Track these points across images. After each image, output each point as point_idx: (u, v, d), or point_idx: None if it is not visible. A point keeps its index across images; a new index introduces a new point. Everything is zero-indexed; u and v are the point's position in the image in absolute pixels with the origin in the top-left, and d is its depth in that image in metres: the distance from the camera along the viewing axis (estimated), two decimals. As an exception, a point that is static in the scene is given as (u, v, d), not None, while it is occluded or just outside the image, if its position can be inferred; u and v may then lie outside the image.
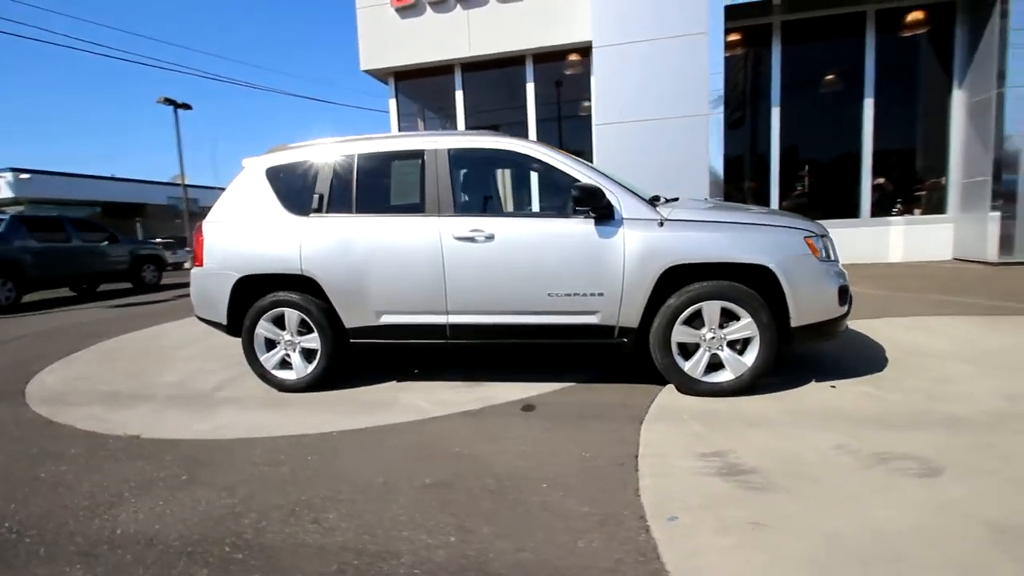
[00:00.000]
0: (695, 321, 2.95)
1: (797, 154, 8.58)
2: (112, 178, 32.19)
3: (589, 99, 9.01)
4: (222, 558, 1.74)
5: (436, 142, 3.20)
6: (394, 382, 3.56)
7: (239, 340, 3.46)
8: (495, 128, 9.69)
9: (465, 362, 3.88)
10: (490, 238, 3.02)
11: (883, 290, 5.84)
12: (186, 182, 23.45)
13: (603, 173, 3.07)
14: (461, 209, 3.16)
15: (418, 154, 3.24)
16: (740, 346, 2.93)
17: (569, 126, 9.57)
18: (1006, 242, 6.88)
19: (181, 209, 25.55)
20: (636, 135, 7.95)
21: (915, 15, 7.73)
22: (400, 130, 9.96)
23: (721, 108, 7.61)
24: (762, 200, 8.46)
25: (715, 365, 2.97)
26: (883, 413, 2.64)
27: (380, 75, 9.78)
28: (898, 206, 8.33)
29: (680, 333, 2.94)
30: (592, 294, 2.96)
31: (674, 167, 7.69)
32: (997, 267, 6.89)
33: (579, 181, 2.98)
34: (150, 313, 7.61)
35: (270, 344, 3.45)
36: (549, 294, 3.01)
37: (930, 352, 3.56)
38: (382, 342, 3.29)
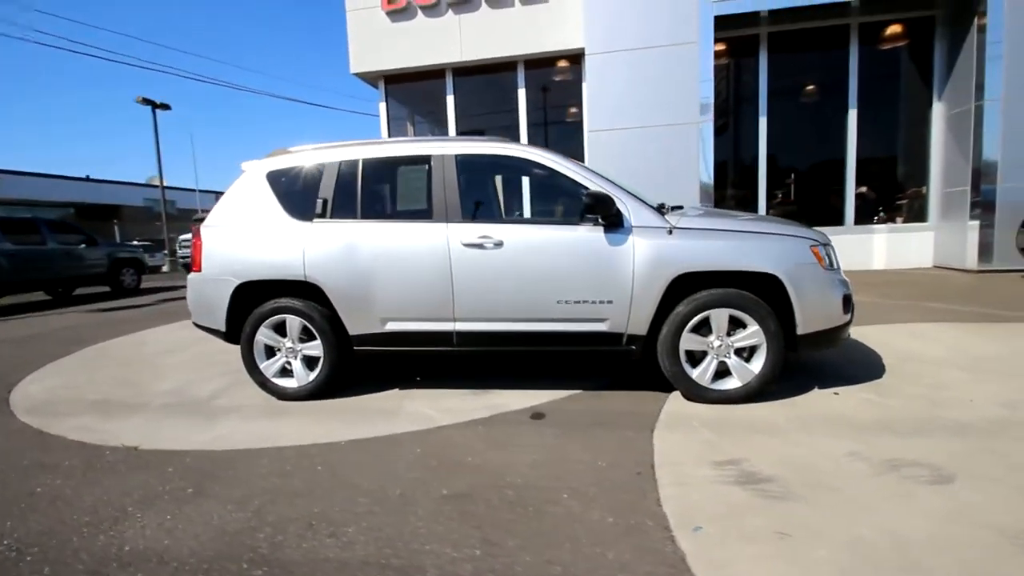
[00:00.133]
0: (702, 329, 2.97)
1: (783, 162, 8.75)
2: (86, 179, 31.36)
3: (580, 105, 9.07)
4: (240, 575, 1.68)
5: (443, 148, 3.18)
6: (397, 390, 3.51)
7: (230, 347, 3.37)
8: (481, 133, 9.69)
9: (468, 369, 3.85)
10: (499, 245, 3.01)
11: (871, 297, 5.97)
12: (164, 184, 22.88)
13: (611, 180, 3.08)
14: (469, 215, 3.14)
15: (425, 160, 3.21)
16: (747, 354, 2.96)
17: (560, 132, 9.61)
18: (985, 250, 7.10)
19: (158, 211, 24.99)
20: (627, 142, 8.02)
21: (896, 29, 7.97)
22: (390, 134, 9.89)
23: (711, 116, 7.73)
24: (749, 207, 8.60)
25: (722, 372, 3.00)
26: (888, 420, 2.69)
27: (370, 78, 9.70)
28: (881, 214, 8.54)
29: (688, 340, 2.96)
30: (601, 301, 2.96)
31: (664, 174, 7.78)
32: (977, 274, 7.10)
33: (588, 188, 2.99)
34: (131, 318, 7.40)
35: (270, 352, 3.38)
36: (558, 301, 3.00)
37: (925, 359, 3.65)
38: (387, 349, 3.24)
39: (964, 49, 7.27)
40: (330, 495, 2.17)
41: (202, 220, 9.60)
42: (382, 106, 9.77)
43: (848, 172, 8.36)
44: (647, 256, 2.90)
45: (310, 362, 3.34)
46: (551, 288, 2.99)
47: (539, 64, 9.09)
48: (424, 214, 3.16)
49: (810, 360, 3.67)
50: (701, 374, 2.97)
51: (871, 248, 8.35)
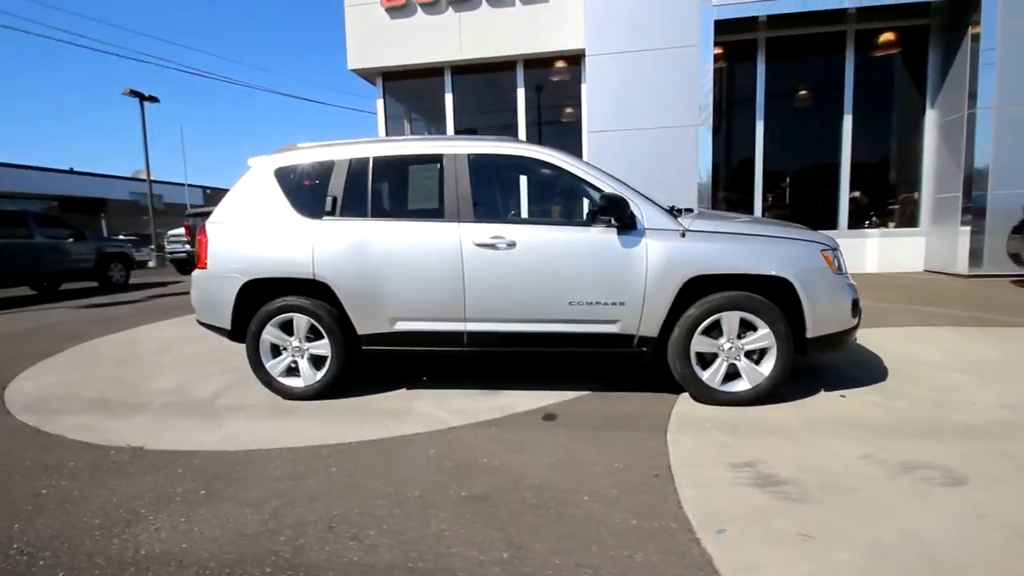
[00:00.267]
0: (713, 331, 2.99)
1: (779, 166, 8.84)
2: (70, 171, 30.70)
3: (578, 106, 9.09)
4: (264, 580, 1.65)
5: (456, 147, 3.16)
6: (404, 390, 3.48)
7: (227, 345, 3.31)
8: (473, 131, 9.65)
9: (474, 369, 3.83)
10: (511, 245, 2.99)
11: (865, 300, 6.01)
12: (151, 178, 22.49)
13: (623, 183, 3.09)
14: (481, 215, 3.12)
15: (437, 158, 3.18)
16: (757, 356, 2.98)
17: (558, 132, 9.62)
18: (975, 255, 7.25)
19: (144, 205, 24.55)
20: (625, 143, 8.05)
21: (891, 36, 8.09)
22: (388, 132, 9.83)
23: (709, 119, 7.79)
24: (745, 210, 8.67)
25: (731, 375, 3.02)
26: (896, 422, 2.72)
27: (368, 75, 9.62)
28: (873, 219, 8.67)
29: (699, 343, 2.97)
30: (614, 303, 2.97)
31: (662, 176, 7.82)
32: (967, 279, 7.24)
33: (602, 190, 2.99)
34: (122, 315, 7.26)
35: (275, 350, 3.33)
36: (570, 302, 3.00)
37: (924, 362, 3.71)
38: (396, 349, 3.22)
39: (957, 57, 7.40)
40: (347, 497, 2.14)
41: (194, 215, 9.58)
42: (379, 103, 9.70)
43: (842, 177, 8.47)
44: (660, 258, 2.90)
45: (317, 361, 3.30)
46: (563, 289, 2.99)
47: (539, 64, 9.09)
48: (436, 213, 3.14)
49: (814, 363, 3.71)
50: (711, 376, 2.99)
51: (864, 252, 8.47)
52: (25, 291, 10.50)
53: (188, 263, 15.22)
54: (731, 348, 2.97)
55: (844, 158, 8.42)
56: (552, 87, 9.39)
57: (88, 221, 22.80)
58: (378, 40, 9.09)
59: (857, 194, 8.68)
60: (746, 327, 2.96)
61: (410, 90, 9.95)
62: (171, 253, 15.23)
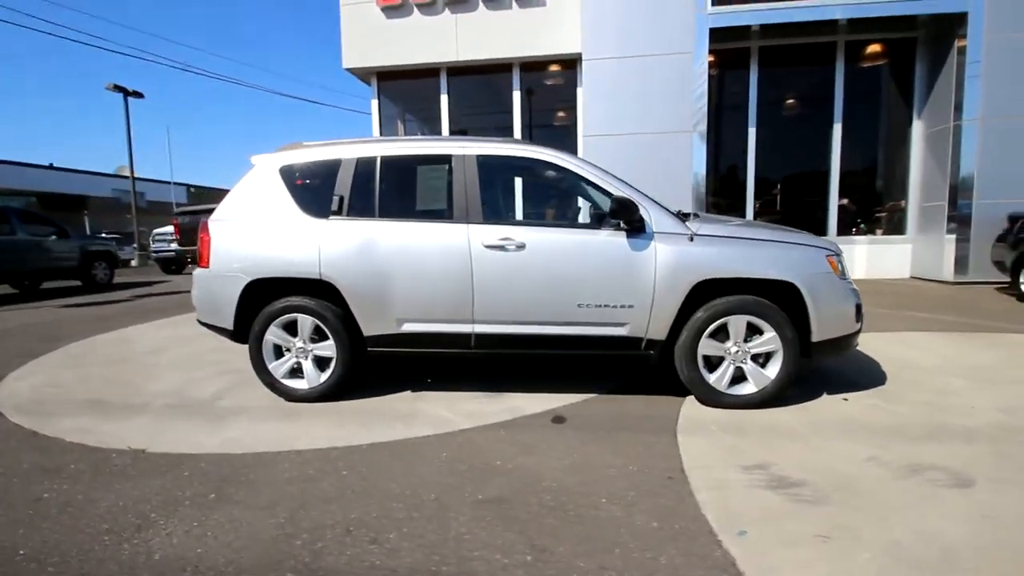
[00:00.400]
0: (719, 334, 3.01)
1: (770, 172, 8.98)
2: (50, 167, 30.01)
3: (574, 110, 9.14)
4: (285, 585, 1.62)
5: (464, 148, 3.15)
6: (409, 392, 3.45)
7: (224, 347, 3.26)
8: (464, 132, 9.65)
9: (479, 372, 3.82)
10: (521, 247, 2.99)
11: (857, 305, 6.16)
12: (134, 175, 22.05)
13: (631, 186, 3.11)
14: (490, 216, 3.12)
15: (445, 159, 3.17)
16: (763, 359, 3.02)
17: (553, 135, 9.66)
18: (961, 263, 7.43)
19: (127, 203, 24.06)
20: (620, 148, 8.11)
21: (880, 48, 8.29)
22: (382, 132, 9.78)
23: (704, 125, 7.89)
24: (738, 216, 8.79)
25: (737, 378, 3.05)
26: (898, 425, 2.77)
27: (363, 74, 9.57)
28: (861, 226, 8.85)
29: (706, 346, 3.00)
30: (622, 306, 2.98)
31: (656, 181, 7.82)
32: (953, 286, 7.42)
33: (611, 193, 3.01)
34: (109, 315, 7.10)
35: (278, 352, 3.28)
36: (579, 305, 3.00)
37: (921, 367, 3.78)
38: (402, 351, 3.19)
39: (944, 70, 7.60)
40: (362, 500, 2.12)
41: (185, 213, 9.39)
42: (374, 103, 9.65)
43: (832, 184, 8.63)
44: (669, 262, 2.93)
45: (321, 363, 3.26)
46: (572, 291, 3.00)
47: (535, 67, 9.13)
48: (444, 214, 3.13)
49: (815, 367, 3.76)
50: (718, 379, 3.01)
51: (852, 258, 8.63)
52: (5, 289, 10.22)
53: (174, 262, 14.95)
54: (737, 352, 3.00)
55: (833, 166, 8.59)
56: (548, 90, 9.44)
57: (69, 218, 22.26)
58: (373, 40, 9.05)
59: (845, 201, 8.86)
60: (752, 331, 2.99)
61: (405, 91, 9.92)
62: (156, 252, 14.94)
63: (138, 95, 21.08)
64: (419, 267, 3.05)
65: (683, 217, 3.14)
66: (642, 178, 7.70)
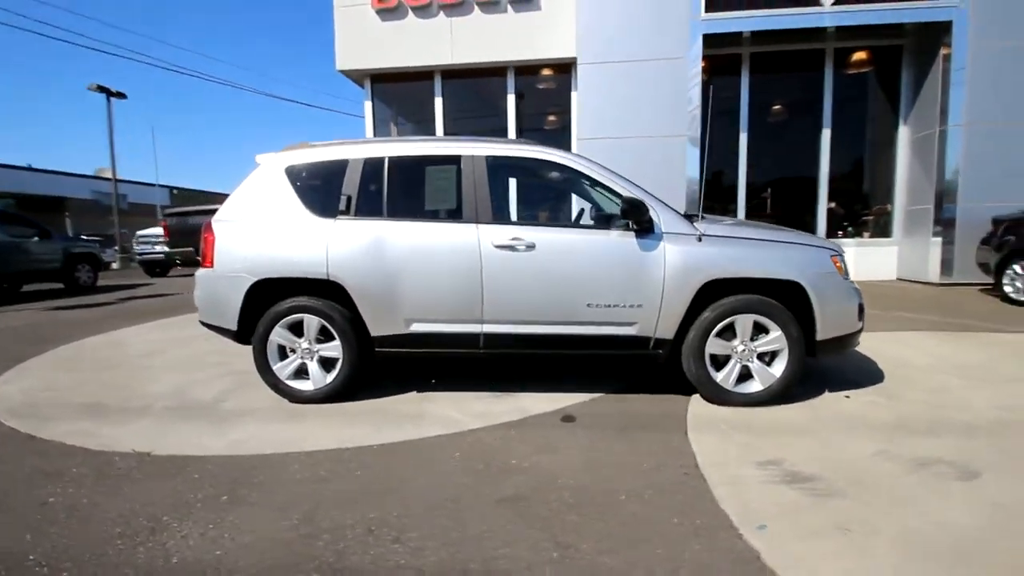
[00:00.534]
0: (726, 333, 3.05)
1: (760, 176, 9.11)
2: (28, 168, 29.30)
3: (568, 113, 9.19)
4: (311, 585, 1.60)
5: (473, 148, 3.15)
6: (415, 392, 3.43)
7: (221, 348, 3.21)
8: (454, 135, 9.62)
9: (484, 372, 3.81)
10: (531, 247, 3.00)
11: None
12: (116, 177, 21.62)
13: (640, 187, 3.13)
14: (499, 217, 3.12)
15: (454, 159, 3.17)
16: (768, 358, 3.06)
17: (547, 139, 9.67)
18: (946, 265, 7.61)
19: (107, 204, 23.59)
20: (614, 151, 8.13)
21: (867, 56, 8.47)
22: (375, 134, 9.72)
23: (697, 129, 7.98)
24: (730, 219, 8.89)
25: (742, 376, 3.08)
26: (900, 421, 2.82)
27: (356, 77, 9.52)
28: (848, 229, 9.02)
29: (713, 345, 3.03)
30: (631, 305, 3.00)
31: (651, 184, 7.89)
32: (939, 287, 7.59)
33: (620, 194, 3.03)
34: (96, 318, 6.94)
35: (282, 353, 3.24)
36: (588, 304, 3.01)
37: (916, 365, 3.86)
38: (410, 352, 3.17)
39: (929, 76, 7.80)
40: (380, 500, 2.09)
41: (174, 215, 9.23)
42: (368, 105, 9.60)
43: (820, 188, 8.79)
44: (678, 262, 2.95)
45: (326, 364, 3.23)
46: (582, 291, 3.01)
47: (529, 71, 9.16)
48: (453, 214, 3.12)
49: (814, 365, 3.82)
50: (725, 378, 3.04)
51: (840, 261, 8.77)
52: (-16, 292, 9.94)
53: (159, 265, 14.69)
54: (744, 350, 3.04)
55: (822, 170, 8.75)
56: (542, 94, 9.47)
57: (48, 220, 21.80)
58: (367, 42, 9.01)
59: (833, 205, 9.02)
60: (758, 330, 3.03)
61: (399, 93, 9.89)
62: (141, 254, 14.65)
63: (121, 96, 20.75)
64: (429, 267, 3.04)
65: (689, 218, 3.18)
66: (636, 181, 7.82)
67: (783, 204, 9.17)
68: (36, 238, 9.72)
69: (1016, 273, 6.08)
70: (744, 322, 3.00)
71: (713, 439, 2.63)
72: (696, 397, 3.21)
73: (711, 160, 9.06)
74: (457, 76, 9.33)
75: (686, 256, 2.96)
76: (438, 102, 9.41)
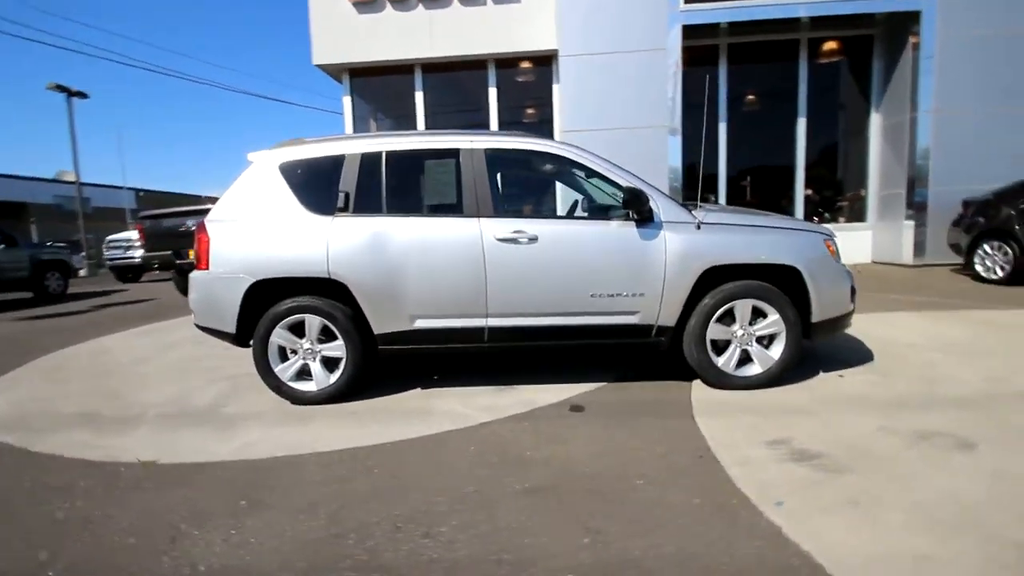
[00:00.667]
0: (725, 319, 3.12)
1: (740, 165, 9.29)
2: (-17, 173, 27.99)
3: (550, 105, 9.20)
4: (347, 584, 1.60)
5: (472, 142, 3.14)
6: (418, 389, 3.42)
7: (212, 353, 3.15)
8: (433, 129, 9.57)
9: (485, 367, 3.81)
10: (533, 239, 3.01)
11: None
12: (80, 180, 20.82)
13: (638, 177, 3.17)
14: (501, 210, 3.12)
15: (453, 153, 3.15)
16: (767, 341, 3.14)
17: (530, 131, 9.66)
18: (919, 247, 7.90)
19: (69, 209, 22.75)
20: (597, 143, 8.09)
21: (839, 45, 8.69)
22: (355, 129, 9.58)
23: (678, 119, 8.08)
24: (711, 207, 9.05)
25: (742, 360, 3.16)
26: (896, 397, 2.94)
27: (333, 71, 9.35)
28: (825, 215, 9.27)
29: (714, 330, 3.10)
30: (634, 294, 3.04)
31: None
32: (913, 269, 7.88)
33: (621, 184, 3.06)
34: (74, 326, 6.71)
35: (283, 354, 3.19)
36: (592, 295, 3.05)
37: (902, 343, 4.01)
38: (415, 348, 3.16)
39: (900, 65, 8.05)
40: (402, 497, 2.09)
41: (149, 217, 8.89)
42: (346, 100, 9.44)
43: (798, 175, 9.01)
44: (678, 250, 3.00)
45: (328, 364, 3.19)
46: (585, 282, 3.04)
47: (510, 63, 9.13)
48: (455, 209, 3.11)
49: (807, 347, 3.92)
50: (726, 362, 3.12)
51: (818, 245, 9.02)
52: (-53, 304, 9.50)
53: (131, 270, 14.22)
54: (743, 335, 3.11)
55: (799, 158, 8.96)
56: (524, 87, 9.46)
57: (10, 227, 20.89)
58: (344, 35, 8.85)
59: (809, 192, 9.26)
60: (756, 314, 3.11)
61: (378, 88, 9.75)
62: (111, 260, 14.17)
63: (82, 95, 19.97)
64: (432, 262, 3.02)
65: (686, 207, 3.23)
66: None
67: (762, 191, 9.37)
68: (2, 246, 9.32)
69: (986, 253, 6.35)
70: (743, 307, 3.07)
71: (720, 422, 2.70)
72: (697, 382, 3.28)
73: (692, 150, 9.22)
74: (437, 70, 9.25)
75: (686, 244, 3.01)
76: (419, 96, 9.31)
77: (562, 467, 2.29)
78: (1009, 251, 6.05)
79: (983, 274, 6.39)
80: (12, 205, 27.37)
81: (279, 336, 3.13)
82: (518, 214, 3.30)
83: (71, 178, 22.32)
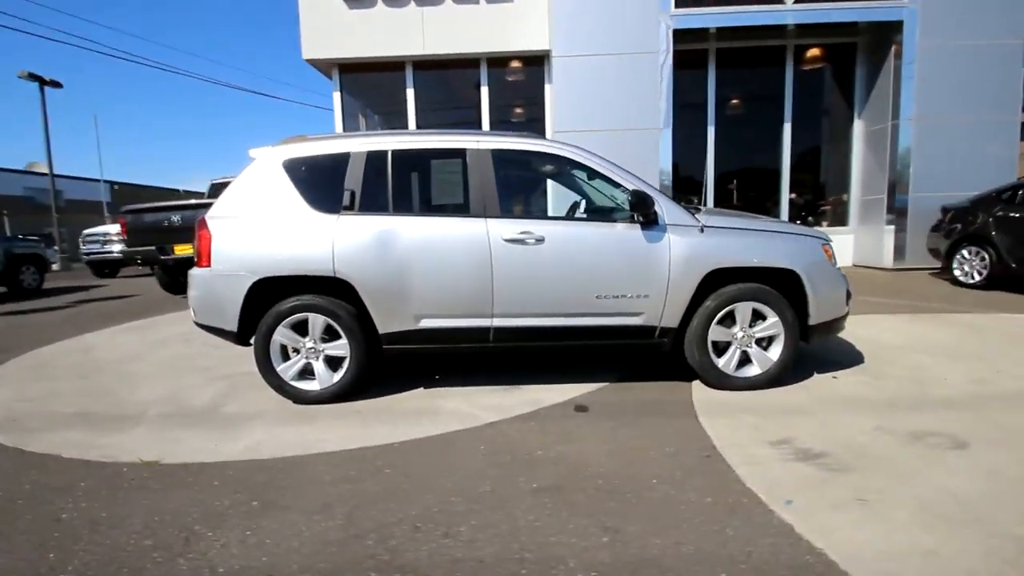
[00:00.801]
0: (726, 320, 3.18)
1: (727, 168, 9.44)
2: (-51, 162, 26.89)
3: (542, 106, 9.23)
4: (372, 584, 1.60)
5: (479, 142, 3.14)
6: (421, 389, 3.42)
7: (203, 352, 3.11)
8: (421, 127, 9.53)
9: (486, 366, 3.82)
10: (540, 240, 3.03)
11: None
12: (53, 172, 20.17)
13: (642, 180, 3.21)
14: (507, 210, 3.13)
15: (459, 153, 3.15)
16: (765, 343, 3.21)
17: (521, 131, 9.69)
18: (899, 252, 8.14)
19: (41, 202, 22.07)
20: (590, 143, 8.16)
21: (824, 52, 8.90)
22: (345, 126, 9.47)
23: (669, 123, 8.18)
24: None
25: (742, 362, 3.22)
26: (889, 398, 3.04)
27: (323, 66, 9.22)
28: (808, 219, 9.49)
29: (715, 332, 3.16)
30: (638, 296, 3.08)
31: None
32: (893, 272, 8.12)
33: (627, 187, 3.10)
34: (54, 322, 6.52)
35: (284, 353, 3.15)
36: (597, 296, 3.08)
37: (890, 346, 4.14)
38: (419, 348, 3.15)
39: (882, 73, 8.28)
40: (417, 497, 2.10)
41: (132, 212, 8.65)
42: (336, 96, 9.32)
43: (783, 179, 9.20)
44: (682, 253, 3.06)
45: (332, 363, 3.17)
46: (591, 283, 3.07)
47: (503, 63, 9.13)
48: (461, 209, 3.11)
49: (801, 349, 4.02)
50: (726, 363, 3.18)
51: (802, 248, 9.23)
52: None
53: (107, 265, 13.86)
54: (743, 336, 3.18)
55: (784, 162, 9.15)
56: (516, 86, 9.46)
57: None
58: (335, 30, 8.74)
59: (794, 195, 9.47)
60: (756, 316, 3.18)
61: (369, 84, 9.65)
62: (88, 254, 13.79)
63: (56, 84, 19.35)
64: (439, 262, 3.02)
65: (689, 210, 3.28)
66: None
67: (748, 194, 9.54)
68: (-27, 238, 9.00)
69: (964, 258, 6.58)
70: (744, 309, 3.14)
71: (723, 422, 2.76)
72: (697, 383, 3.34)
73: (681, 153, 9.35)
74: (429, 67, 9.20)
75: (690, 247, 3.06)
76: (410, 93, 9.25)
77: (573, 466, 2.32)
78: (986, 256, 6.27)
79: (961, 278, 6.61)
80: (-21, 196, 26.39)
81: (282, 335, 3.10)
82: (524, 215, 3.33)
83: (43, 169, 21.63)
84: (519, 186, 3.82)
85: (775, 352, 3.19)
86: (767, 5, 8.02)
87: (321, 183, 3.13)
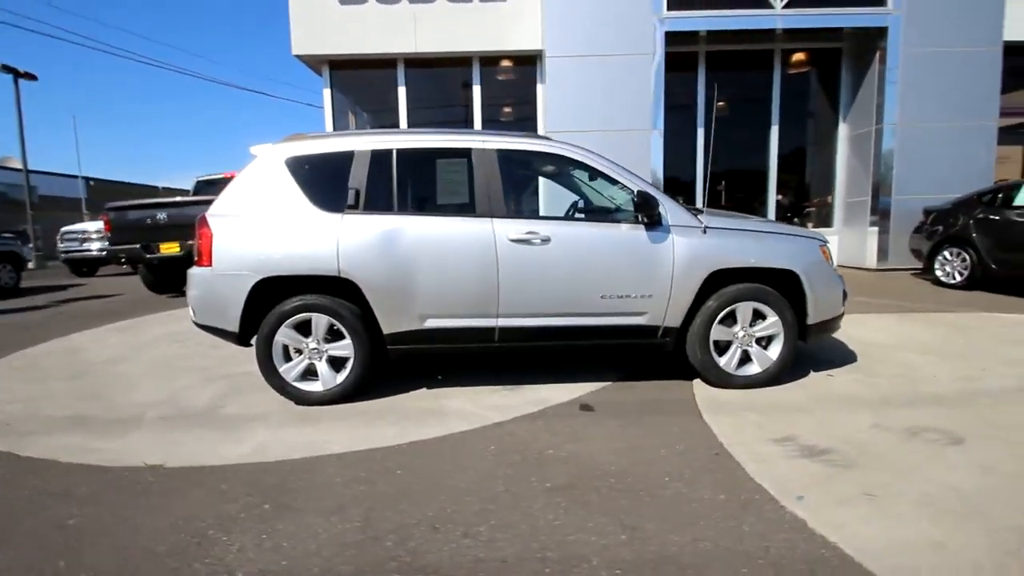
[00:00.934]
0: (727, 320, 3.23)
1: (716, 170, 9.56)
2: (-85, 156, 25.91)
3: (534, 105, 9.25)
4: (396, 586, 1.59)
5: (484, 142, 3.14)
6: (424, 389, 3.41)
7: (197, 352, 3.07)
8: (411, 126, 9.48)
9: (489, 366, 3.82)
10: (546, 240, 3.04)
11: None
12: (27, 167, 19.57)
13: (647, 181, 3.25)
14: (512, 210, 3.14)
15: (464, 153, 3.15)
16: (765, 342, 3.27)
17: (512, 131, 9.70)
18: (882, 252, 8.35)
19: (12, 198, 21.42)
20: (582, 143, 8.29)
21: (810, 57, 9.08)
22: (335, 122, 9.37)
23: (661, 124, 8.27)
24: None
25: (742, 361, 3.28)
26: (884, 396, 3.12)
27: (314, 63, 9.12)
28: (794, 220, 9.67)
29: (717, 332, 3.21)
30: (642, 296, 3.12)
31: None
32: (876, 273, 8.32)
33: (631, 188, 3.13)
34: (36, 323, 6.34)
35: (286, 353, 3.12)
36: (602, 296, 3.10)
37: (881, 344, 4.24)
38: (424, 347, 3.14)
39: (866, 78, 8.47)
40: (432, 497, 2.09)
41: (118, 208, 8.44)
42: (326, 93, 9.22)
43: (770, 181, 9.37)
44: (686, 253, 3.10)
45: (335, 363, 3.14)
46: (596, 283, 3.09)
47: (495, 62, 9.12)
48: (467, 208, 3.11)
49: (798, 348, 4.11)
50: (728, 362, 3.23)
51: (788, 249, 9.40)
52: None
53: (86, 263, 13.50)
54: (744, 336, 3.23)
55: (771, 164, 9.32)
56: (509, 86, 9.46)
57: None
58: (326, 26, 8.64)
59: (780, 197, 9.64)
60: (756, 316, 3.23)
61: (359, 81, 9.57)
62: (67, 252, 13.42)
63: (31, 77, 18.78)
64: (444, 262, 3.01)
65: (691, 211, 3.33)
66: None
67: (736, 196, 9.69)
68: (-54, 236, 8.69)
69: (946, 259, 6.77)
70: (745, 309, 3.19)
71: (728, 420, 2.80)
72: (697, 382, 3.38)
73: (671, 154, 9.45)
74: (421, 65, 9.15)
75: (693, 247, 3.10)
76: (401, 91, 9.19)
77: (584, 465, 2.34)
78: (967, 258, 6.47)
79: (943, 279, 6.80)
80: (-53, 192, 25.44)
81: (284, 335, 3.06)
82: (530, 215, 3.33)
83: (15, 164, 21.00)
84: (525, 186, 3.82)
85: (775, 351, 3.25)
86: (756, 9, 8.15)
87: (325, 181, 3.10)
